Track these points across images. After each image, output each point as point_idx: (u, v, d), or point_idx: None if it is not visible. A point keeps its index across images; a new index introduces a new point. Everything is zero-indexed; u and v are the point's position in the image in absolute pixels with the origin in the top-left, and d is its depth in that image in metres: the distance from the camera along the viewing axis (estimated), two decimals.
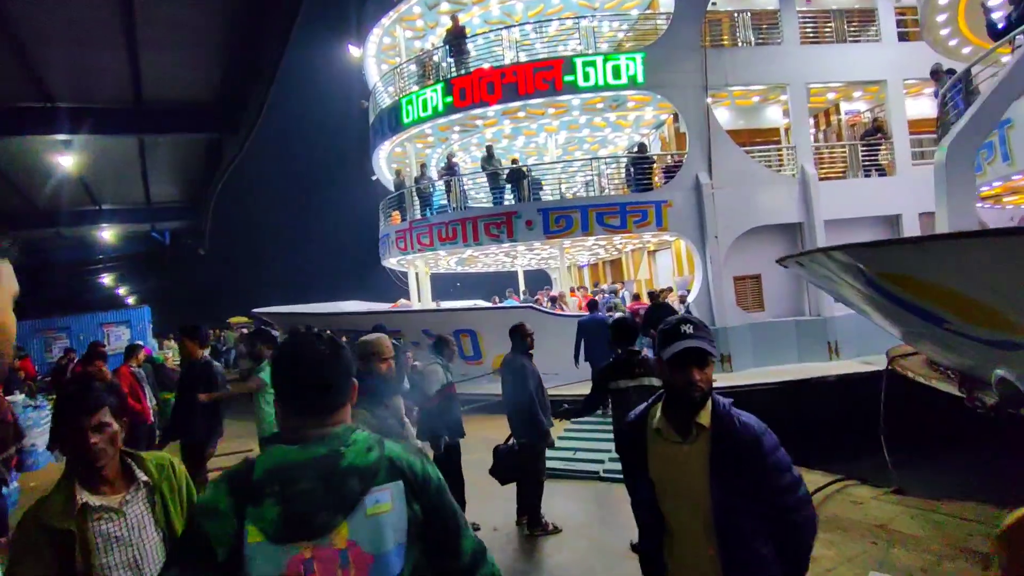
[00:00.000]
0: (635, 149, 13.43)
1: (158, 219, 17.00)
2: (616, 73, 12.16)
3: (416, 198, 14.45)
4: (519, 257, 18.65)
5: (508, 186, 13.14)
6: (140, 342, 9.33)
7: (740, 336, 12.03)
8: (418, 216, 14.43)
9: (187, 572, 1.15)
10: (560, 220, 12.34)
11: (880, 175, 12.75)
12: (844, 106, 14.55)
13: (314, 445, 1.21)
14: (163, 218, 17.01)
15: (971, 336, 4.98)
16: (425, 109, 13.71)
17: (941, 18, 10.70)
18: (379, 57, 17.59)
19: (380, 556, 1.19)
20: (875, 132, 12.67)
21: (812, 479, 6.46)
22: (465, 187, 13.78)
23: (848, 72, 12.61)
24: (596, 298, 12.02)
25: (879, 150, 12.67)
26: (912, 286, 4.94)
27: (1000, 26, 7.16)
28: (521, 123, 14.65)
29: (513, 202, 13.03)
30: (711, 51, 12.21)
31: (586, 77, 12.19)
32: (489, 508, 5.57)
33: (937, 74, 8.41)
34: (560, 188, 14.44)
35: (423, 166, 14.63)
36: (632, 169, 12.81)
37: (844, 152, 12.96)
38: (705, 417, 1.80)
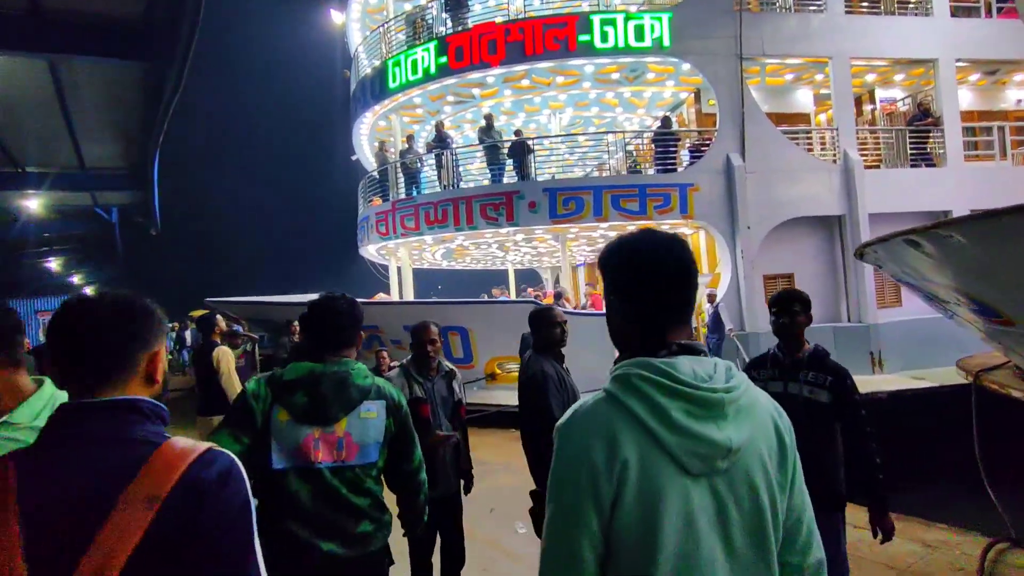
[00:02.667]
0: (658, 124, 11.76)
1: (96, 186, 14.71)
2: (639, 34, 10.52)
3: (401, 174, 12.60)
4: (512, 251, 16.89)
5: (510, 161, 11.39)
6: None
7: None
8: (402, 196, 12.59)
9: (236, 430, 1.82)
10: (570, 203, 10.63)
11: (928, 166, 11.35)
12: (880, 93, 13.19)
13: (332, 365, 1.93)
14: (102, 186, 14.73)
15: None
16: (415, 72, 11.89)
17: None
18: (364, 22, 15.73)
19: (364, 446, 1.91)
20: (923, 117, 11.27)
21: (934, 537, 4.80)
22: (459, 162, 11.97)
23: (896, 48, 11.19)
24: None
25: (928, 138, 11.27)
26: None
27: None
28: (524, 95, 12.91)
29: (516, 180, 11.28)
30: (746, 15, 10.66)
31: (604, 37, 10.53)
32: None
33: None
34: (569, 169, 12.71)
35: (410, 138, 12.79)
36: (654, 147, 11.18)
37: (891, 138, 11.50)
38: None
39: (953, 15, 11.49)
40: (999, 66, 12.05)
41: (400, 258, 13.93)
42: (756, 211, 10.54)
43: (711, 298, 10.29)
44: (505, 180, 11.63)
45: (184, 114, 14.35)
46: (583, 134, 13.94)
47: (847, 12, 11.11)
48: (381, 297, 14.41)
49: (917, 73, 12.27)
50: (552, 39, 10.64)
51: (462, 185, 12.02)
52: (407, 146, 12.58)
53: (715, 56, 10.65)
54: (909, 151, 11.24)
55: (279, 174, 52.24)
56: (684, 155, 11.60)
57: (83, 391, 0.96)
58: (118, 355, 0.99)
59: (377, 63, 13.13)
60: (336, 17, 17.05)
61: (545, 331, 3.18)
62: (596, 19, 10.54)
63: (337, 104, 21.27)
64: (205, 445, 0.96)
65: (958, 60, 11.33)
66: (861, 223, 10.69)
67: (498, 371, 10.92)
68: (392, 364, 6.26)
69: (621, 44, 10.53)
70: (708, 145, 10.89)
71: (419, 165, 12.37)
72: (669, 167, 11.02)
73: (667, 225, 11.87)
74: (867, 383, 10.05)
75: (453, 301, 11.36)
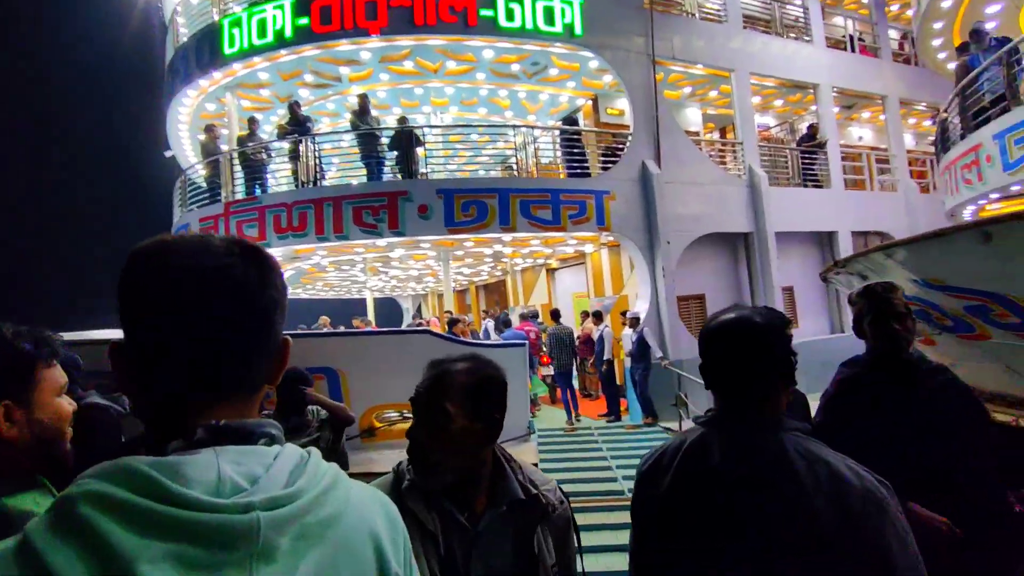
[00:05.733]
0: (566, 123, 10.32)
1: None
2: (549, 17, 9.07)
3: (239, 167, 9.52)
4: (380, 273, 14.27)
5: (391, 155, 9.07)
6: None
7: (694, 369, 9.33)
8: (240, 195, 9.49)
9: None
10: (470, 207, 8.60)
11: (815, 187, 11.47)
12: (757, 119, 13.44)
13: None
14: None
15: None
16: (262, 35, 9.09)
17: (936, 43, 9.82)
18: None
19: None
20: (811, 138, 11.42)
21: None
22: (323, 152, 9.31)
23: (786, 69, 11.25)
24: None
25: (815, 160, 11.41)
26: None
27: None
28: (403, 82, 10.71)
29: (401, 178, 8.97)
30: (657, 16, 9.84)
31: (509, 15, 8.89)
32: None
33: (979, 33, 6.89)
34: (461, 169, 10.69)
35: (253, 120, 9.78)
36: (561, 149, 9.70)
37: (784, 158, 11.45)
38: None
39: (827, 46, 11.99)
40: (857, 100, 12.88)
41: None
42: (674, 225, 9.53)
43: (634, 322, 8.88)
44: (385, 178, 9.24)
45: None
46: (488, 124, 12.04)
47: (745, 28, 10.90)
48: None
49: (794, 100, 12.64)
50: (448, 9, 8.71)
51: (326, 183, 9.36)
52: (249, 131, 9.57)
53: (628, 54, 9.61)
54: (800, 171, 11.24)
55: (78, 182, 41.94)
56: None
57: None
58: None
59: (203, 27, 9.99)
60: None
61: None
62: None
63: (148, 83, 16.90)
64: None
65: (834, 88, 11.77)
66: (769, 241, 10.25)
67: (377, 424, 8.30)
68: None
69: (529, 25, 8.97)
70: (621, 151, 9.71)
71: (266, 156, 9.43)
72: (582, 171, 9.59)
73: (570, 243, 10.43)
74: None
75: (317, 333, 8.51)
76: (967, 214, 8.42)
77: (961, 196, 7.47)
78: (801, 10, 11.86)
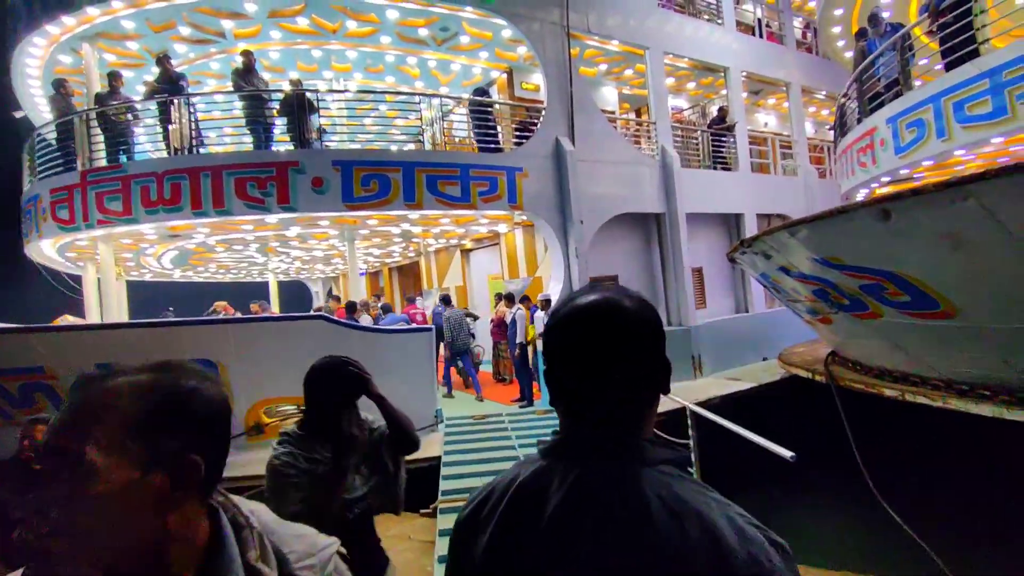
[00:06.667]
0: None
1: None
2: None
3: (98, 130, 8.21)
4: (280, 254, 13.16)
5: (281, 121, 8.13)
6: None
7: None
8: (102, 163, 8.20)
9: None
10: (371, 182, 7.88)
11: (724, 170, 11.65)
12: (671, 101, 13.50)
13: None
14: None
15: None
16: None
17: (836, 30, 10.04)
18: None
19: None
20: (721, 121, 11.56)
21: None
22: (198, 115, 8.20)
23: (699, 50, 11.26)
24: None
25: (724, 143, 11.57)
26: None
27: None
28: (298, 42, 9.68)
29: (293, 148, 8.07)
30: None
31: None
32: None
33: (876, 18, 7.03)
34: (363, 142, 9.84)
35: (114, 75, 8.41)
36: (472, 121, 9.14)
37: (695, 140, 11.51)
38: None
39: (737, 30, 12.14)
40: (763, 85, 13.23)
41: (101, 262, 9.24)
42: (588, 204, 9.29)
43: (545, 304, 8.57)
44: (275, 148, 8.29)
45: None
46: (390, 91, 11.12)
47: (660, 6, 10.76)
48: (67, 320, 9.42)
49: (706, 83, 12.77)
50: None
51: (204, 150, 8.28)
52: (111, 88, 8.26)
53: (542, 24, 9.16)
54: (711, 153, 11.37)
55: None
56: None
57: None
58: None
59: None
60: None
61: None
62: None
63: None
64: None
65: (743, 72, 11.96)
66: (680, 221, 10.29)
67: (266, 420, 7.51)
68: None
69: None
70: (535, 126, 9.30)
71: (131, 117, 8.18)
72: (492, 146, 9.09)
73: (481, 222, 9.97)
74: (692, 389, 9.51)
75: (190, 321, 7.51)
76: (861, 197, 8.77)
77: (857, 179, 7.71)
78: None
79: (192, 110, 7.98)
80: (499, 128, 9.31)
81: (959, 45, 5.40)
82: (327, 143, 8.43)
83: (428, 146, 9.54)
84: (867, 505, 5.82)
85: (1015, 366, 4.69)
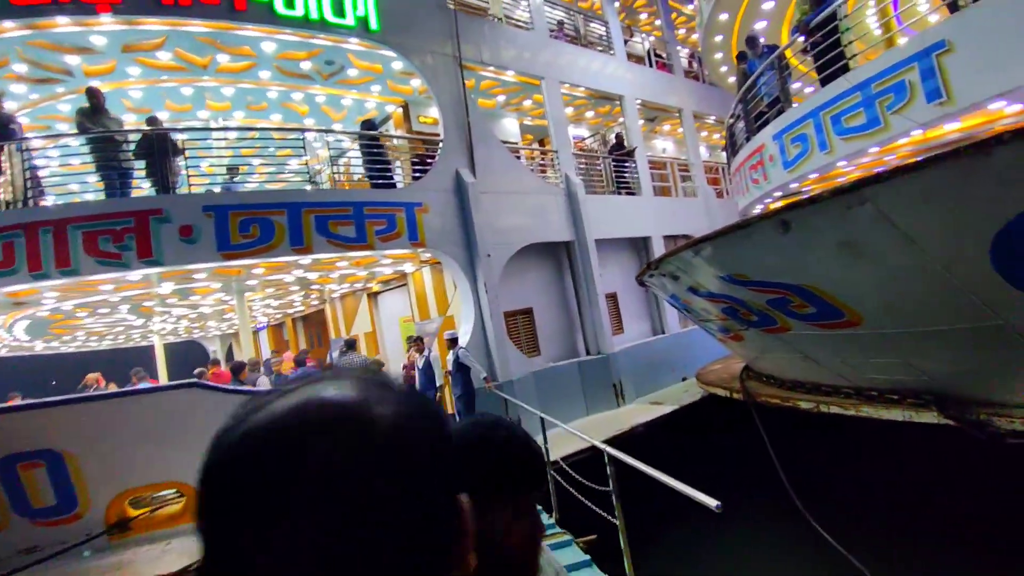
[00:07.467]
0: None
1: None
2: (338, 7, 7.96)
3: None
4: (161, 314, 11.75)
5: (139, 164, 7.19)
6: None
7: (525, 390, 8.79)
8: None
9: None
10: (250, 227, 7.07)
11: (628, 195, 11.78)
12: (572, 131, 13.66)
13: None
14: None
15: None
16: None
17: (718, 56, 10.45)
18: None
19: None
20: (620, 147, 11.74)
21: None
22: (35, 162, 7.08)
23: (593, 80, 11.43)
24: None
25: (626, 168, 11.73)
26: None
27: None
28: (162, 79, 8.77)
29: (153, 194, 7.12)
30: (463, 19, 9.29)
31: (288, 2, 7.61)
32: None
33: (754, 41, 7.28)
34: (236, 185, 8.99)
35: None
36: (363, 158, 8.59)
37: (597, 166, 11.57)
38: None
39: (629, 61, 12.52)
40: (658, 112, 13.70)
41: None
42: (494, 237, 8.94)
43: (451, 343, 7.98)
44: (135, 194, 7.30)
45: None
46: (276, 127, 10.23)
47: (552, 37, 10.85)
48: None
49: (603, 111, 13.02)
50: None
51: (45, 202, 7.14)
52: None
53: (434, 56, 8.88)
54: (614, 179, 11.46)
55: None
56: (399, 176, 9.35)
57: None
58: None
59: None
60: None
61: None
62: None
63: None
64: None
65: (637, 100, 12.29)
66: (590, 248, 10.17)
67: (132, 512, 6.34)
68: None
69: (314, 15, 7.77)
70: (432, 159, 8.89)
71: None
72: (387, 181, 8.55)
73: (384, 263, 9.35)
74: (617, 418, 9.25)
75: (27, 405, 6.24)
76: (757, 212, 9.03)
77: (751, 195, 7.87)
78: (603, 26, 12.24)
79: (27, 156, 6.87)
80: (397, 163, 8.82)
81: (831, 61, 5.58)
82: (194, 188, 7.54)
83: (327, 187, 8.85)
84: (797, 520, 5.68)
85: (917, 367, 4.69)
